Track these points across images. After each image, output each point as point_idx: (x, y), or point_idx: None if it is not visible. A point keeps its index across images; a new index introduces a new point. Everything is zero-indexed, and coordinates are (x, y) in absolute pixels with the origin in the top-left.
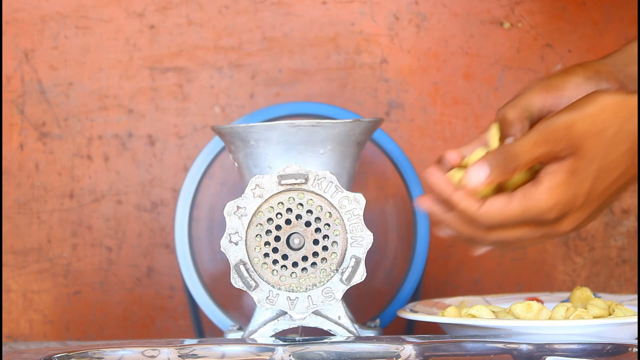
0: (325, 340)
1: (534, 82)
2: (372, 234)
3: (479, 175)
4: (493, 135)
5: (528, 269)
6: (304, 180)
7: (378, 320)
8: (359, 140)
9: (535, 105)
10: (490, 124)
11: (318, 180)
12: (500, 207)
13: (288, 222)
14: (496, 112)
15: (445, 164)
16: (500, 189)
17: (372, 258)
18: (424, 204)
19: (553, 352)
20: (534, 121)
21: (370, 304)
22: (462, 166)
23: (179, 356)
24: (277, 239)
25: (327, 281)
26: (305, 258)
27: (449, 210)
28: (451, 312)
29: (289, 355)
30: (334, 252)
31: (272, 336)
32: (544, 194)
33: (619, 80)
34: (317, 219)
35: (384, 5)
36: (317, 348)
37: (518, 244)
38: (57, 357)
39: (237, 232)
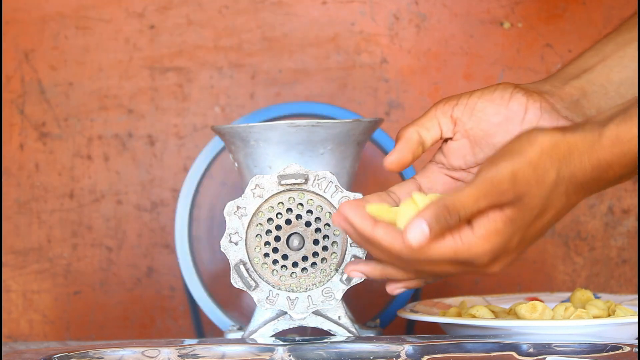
0: (325, 340)
1: (442, 100)
2: None
3: (419, 234)
4: (409, 206)
5: (528, 269)
6: (304, 180)
7: (378, 320)
8: (359, 140)
9: (439, 122)
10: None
11: (318, 180)
12: (429, 246)
13: (288, 222)
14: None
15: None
16: None
17: (372, 258)
18: (339, 223)
19: (553, 352)
20: (438, 136)
21: (370, 304)
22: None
23: (179, 356)
24: (277, 239)
25: (327, 281)
26: (305, 258)
27: (370, 245)
28: (453, 312)
29: (289, 355)
30: (334, 252)
31: (272, 336)
32: (479, 240)
33: (546, 99)
34: (317, 219)
35: (384, 5)
36: (317, 348)
37: (441, 277)
38: (57, 357)
39: (237, 232)
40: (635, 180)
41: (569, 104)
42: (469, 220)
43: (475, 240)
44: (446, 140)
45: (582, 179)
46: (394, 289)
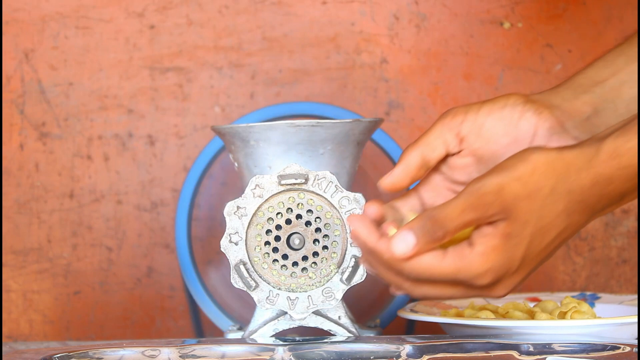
0: (326, 340)
1: (449, 111)
2: None
3: (405, 246)
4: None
5: None
6: (304, 180)
7: (378, 320)
8: (359, 140)
9: (445, 140)
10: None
11: (318, 180)
12: (430, 263)
13: (288, 221)
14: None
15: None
16: None
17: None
18: (353, 239)
19: (553, 352)
20: (444, 153)
21: (371, 304)
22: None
23: (179, 356)
24: (277, 238)
25: (327, 281)
26: (305, 258)
27: (373, 257)
28: (453, 312)
29: (289, 355)
30: (334, 252)
31: (272, 336)
32: (478, 258)
33: (556, 117)
34: (318, 218)
35: (384, 5)
36: (317, 348)
37: (446, 299)
38: (57, 357)
39: (237, 232)
40: None
41: (579, 122)
42: (469, 242)
43: (475, 257)
44: (452, 154)
45: (581, 195)
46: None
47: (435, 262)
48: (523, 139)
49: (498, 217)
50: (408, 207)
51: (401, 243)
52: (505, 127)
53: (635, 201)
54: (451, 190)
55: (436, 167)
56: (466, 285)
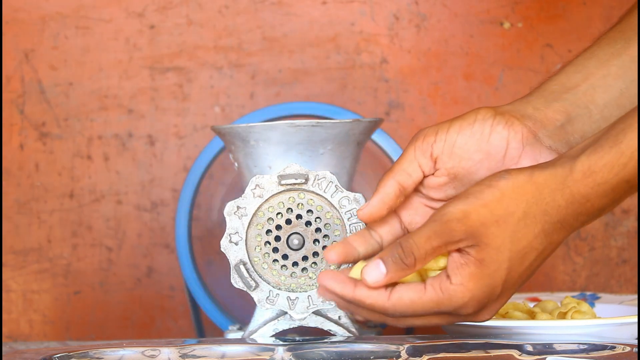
0: (326, 340)
1: (420, 132)
2: None
3: (377, 274)
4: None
5: None
6: (304, 180)
7: None
8: (359, 140)
9: (419, 164)
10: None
11: (318, 180)
12: (411, 299)
13: (288, 221)
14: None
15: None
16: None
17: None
18: (325, 296)
19: (553, 352)
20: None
21: None
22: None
23: (179, 356)
24: (277, 238)
25: None
26: (305, 258)
27: (354, 306)
28: None
29: (289, 356)
30: None
31: (272, 336)
32: (458, 288)
33: (528, 128)
34: (318, 218)
35: (384, 5)
36: (317, 348)
37: (433, 326)
38: (57, 357)
39: (237, 232)
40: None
41: (552, 131)
42: (446, 274)
43: (454, 288)
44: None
45: (557, 216)
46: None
47: (416, 298)
48: (496, 152)
49: (466, 243)
50: (389, 230)
51: (373, 272)
52: (476, 143)
53: (636, 201)
54: (430, 207)
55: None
56: (450, 314)
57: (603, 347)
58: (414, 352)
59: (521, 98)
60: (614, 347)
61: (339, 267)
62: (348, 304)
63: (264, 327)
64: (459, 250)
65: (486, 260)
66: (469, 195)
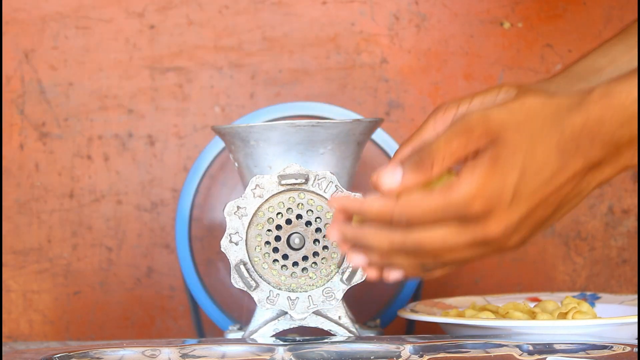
0: (326, 340)
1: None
2: None
3: (393, 177)
4: None
5: (528, 269)
6: (304, 180)
7: (378, 320)
8: (359, 140)
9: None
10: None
11: (318, 180)
12: (418, 199)
13: (288, 221)
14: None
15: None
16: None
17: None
18: (333, 233)
19: (553, 352)
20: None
21: (371, 304)
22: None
23: (179, 356)
24: (278, 238)
25: (328, 281)
26: (305, 258)
27: (362, 225)
28: (454, 313)
29: (289, 356)
30: (334, 252)
31: (272, 336)
32: (466, 182)
33: None
34: (318, 218)
35: (384, 5)
36: (317, 348)
37: (442, 255)
38: (57, 357)
39: (237, 232)
40: (635, 180)
41: None
42: (456, 174)
43: (462, 183)
44: None
45: (572, 134)
46: (391, 274)
47: (423, 197)
48: None
49: (485, 141)
50: None
51: (389, 175)
52: None
53: (635, 201)
54: None
55: None
56: (459, 220)
57: (603, 347)
58: (414, 352)
59: (546, 78)
60: (614, 347)
61: None
62: (354, 234)
63: (264, 327)
64: (475, 153)
65: (500, 158)
66: (490, 103)
